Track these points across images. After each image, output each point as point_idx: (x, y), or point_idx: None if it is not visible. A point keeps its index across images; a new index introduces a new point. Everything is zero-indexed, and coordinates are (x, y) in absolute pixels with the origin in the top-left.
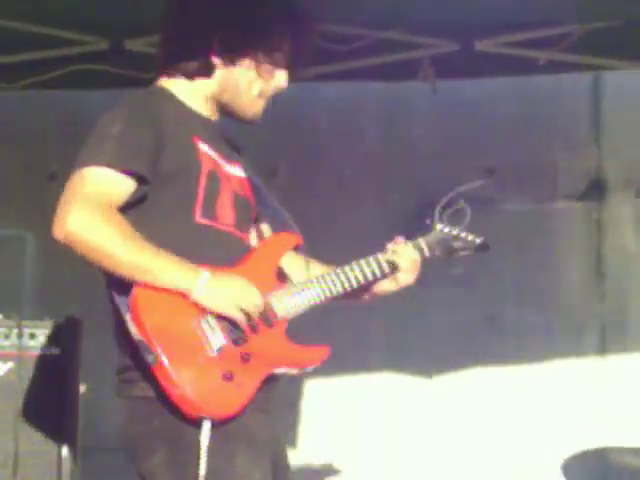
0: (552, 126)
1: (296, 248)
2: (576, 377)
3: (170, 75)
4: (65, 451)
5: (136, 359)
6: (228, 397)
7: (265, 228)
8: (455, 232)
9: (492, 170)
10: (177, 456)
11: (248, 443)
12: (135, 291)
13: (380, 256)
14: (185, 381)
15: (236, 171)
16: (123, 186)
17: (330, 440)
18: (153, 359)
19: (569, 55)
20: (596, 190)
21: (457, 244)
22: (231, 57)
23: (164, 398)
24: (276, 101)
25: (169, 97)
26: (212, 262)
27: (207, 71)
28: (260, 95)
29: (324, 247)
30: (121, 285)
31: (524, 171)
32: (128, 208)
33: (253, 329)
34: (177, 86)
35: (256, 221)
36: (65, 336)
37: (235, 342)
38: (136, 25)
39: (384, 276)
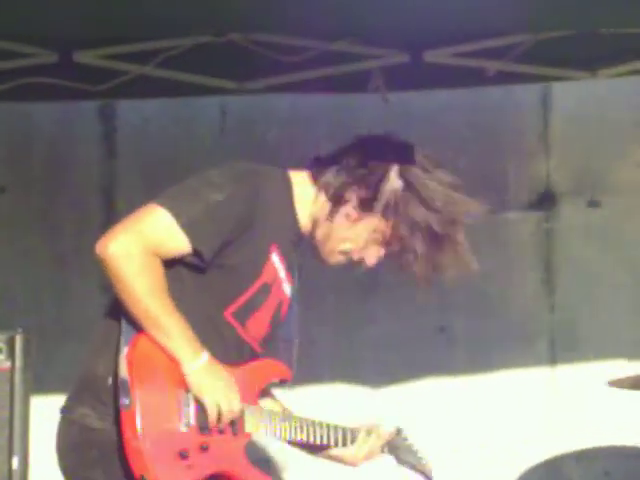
0: (502, 137)
1: (282, 382)
2: (526, 388)
3: (311, 175)
4: (16, 463)
5: (97, 373)
6: (175, 473)
7: None
8: (413, 447)
9: None
10: None
11: None
12: (141, 335)
13: (353, 428)
14: (146, 439)
15: (288, 289)
16: (178, 249)
17: (277, 452)
18: (127, 404)
19: (519, 65)
20: (546, 200)
21: (410, 458)
22: (359, 212)
23: (108, 431)
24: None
25: (285, 192)
26: (219, 356)
27: (333, 201)
28: (344, 253)
29: None
30: (115, 311)
31: (474, 182)
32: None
33: (219, 429)
34: (301, 188)
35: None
36: (17, 349)
37: (201, 429)
38: (85, 37)
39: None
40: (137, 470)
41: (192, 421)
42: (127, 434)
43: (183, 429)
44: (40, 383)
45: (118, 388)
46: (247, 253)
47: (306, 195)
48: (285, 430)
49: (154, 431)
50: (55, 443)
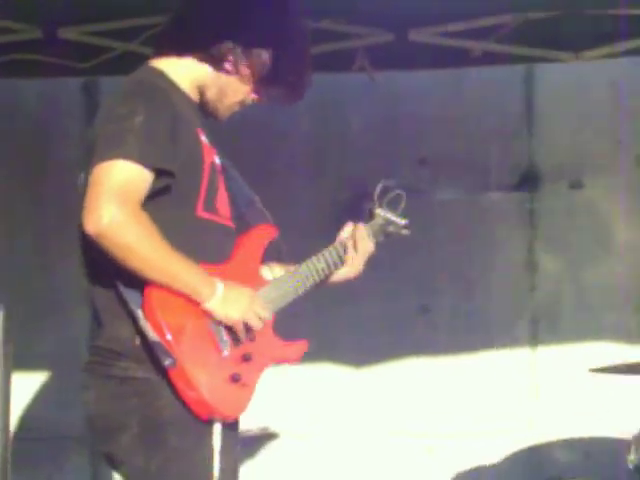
0: (485, 117)
1: (273, 240)
2: (508, 368)
3: (169, 55)
4: None
5: (121, 338)
6: (236, 399)
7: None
8: (392, 217)
9: (424, 161)
10: (151, 435)
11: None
12: (150, 292)
13: (337, 244)
14: (202, 385)
15: (219, 161)
16: (148, 182)
17: (257, 431)
18: (172, 363)
19: (503, 46)
20: (529, 181)
21: (391, 228)
22: (237, 62)
23: (153, 381)
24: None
25: (170, 82)
26: (210, 256)
27: (211, 62)
28: (240, 104)
29: None
30: (129, 278)
31: (457, 162)
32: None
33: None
34: (173, 68)
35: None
36: None
37: (236, 343)
38: (70, 14)
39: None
40: (203, 414)
41: (228, 343)
42: (181, 387)
43: (225, 354)
44: (21, 359)
45: (154, 350)
46: (186, 148)
47: (179, 72)
48: (297, 288)
49: (204, 373)
50: (83, 397)
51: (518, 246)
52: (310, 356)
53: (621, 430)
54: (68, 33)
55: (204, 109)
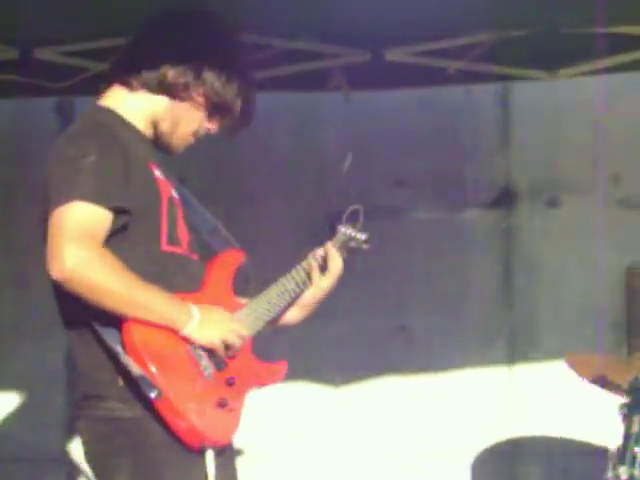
0: (461, 135)
1: (241, 266)
2: (485, 386)
3: (118, 90)
4: None
5: (104, 382)
6: (225, 424)
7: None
8: (352, 232)
9: (401, 179)
10: (145, 475)
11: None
12: (128, 326)
13: (304, 263)
14: (191, 412)
15: (175, 193)
16: (107, 221)
17: (236, 451)
18: (158, 394)
19: (479, 65)
20: (505, 199)
21: (353, 243)
22: (189, 87)
23: (140, 418)
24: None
25: (120, 119)
26: (181, 287)
27: (163, 91)
28: (194, 134)
29: None
30: (104, 316)
31: (434, 181)
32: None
33: (229, 356)
34: (122, 105)
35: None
36: None
37: (219, 368)
38: (47, 34)
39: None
40: (195, 443)
41: (211, 368)
42: (170, 419)
43: (209, 380)
44: None
45: (139, 385)
46: (140, 185)
47: (130, 107)
48: (270, 310)
49: (191, 401)
50: (82, 445)
51: (495, 264)
52: (288, 375)
53: (598, 447)
54: (44, 53)
55: (158, 143)
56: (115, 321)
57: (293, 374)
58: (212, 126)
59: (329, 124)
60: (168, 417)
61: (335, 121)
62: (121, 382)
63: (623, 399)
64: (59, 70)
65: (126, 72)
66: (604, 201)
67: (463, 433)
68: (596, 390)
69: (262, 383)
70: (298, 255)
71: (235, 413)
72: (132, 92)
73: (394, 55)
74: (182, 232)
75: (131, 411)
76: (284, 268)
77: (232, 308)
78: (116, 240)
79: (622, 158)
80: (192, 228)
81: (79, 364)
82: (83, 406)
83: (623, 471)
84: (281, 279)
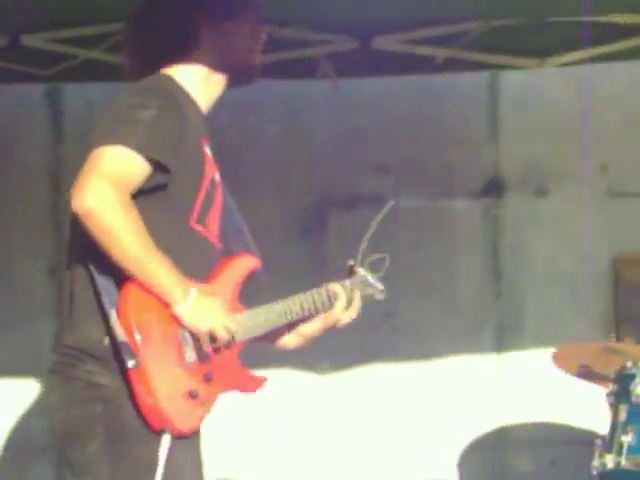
0: (450, 124)
1: (255, 272)
2: (473, 374)
3: (168, 63)
4: None
5: (90, 339)
6: (190, 415)
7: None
8: (371, 280)
9: (389, 168)
10: (117, 446)
11: (195, 457)
12: (127, 291)
13: (325, 293)
14: (160, 392)
15: (218, 177)
16: (143, 172)
17: (223, 437)
18: (135, 364)
19: (467, 53)
20: (494, 188)
21: (369, 290)
22: (216, 21)
23: (116, 387)
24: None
25: (180, 88)
26: (196, 269)
27: (197, 43)
28: (255, 41)
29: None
30: (109, 274)
31: (422, 169)
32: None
33: (216, 350)
34: (180, 74)
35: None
36: None
37: (201, 360)
38: (35, 21)
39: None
40: (155, 424)
41: (193, 356)
42: (139, 392)
43: (188, 368)
44: None
45: (120, 350)
46: (189, 155)
47: (193, 75)
48: (271, 321)
49: (165, 382)
50: (46, 399)
51: (483, 253)
52: (273, 362)
53: (586, 436)
54: (32, 40)
55: (241, 78)
56: (117, 280)
57: (279, 361)
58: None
59: (317, 112)
60: (138, 390)
61: (323, 109)
62: (107, 342)
63: (610, 387)
64: (47, 57)
65: (163, 48)
66: (592, 190)
67: (450, 421)
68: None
69: (239, 389)
70: (288, 243)
71: (204, 408)
72: (185, 59)
73: (382, 43)
74: (214, 217)
75: (109, 378)
76: (274, 255)
77: (232, 309)
78: (150, 200)
79: (610, 147)
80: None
81: (71, 308)
82: (62, 361)
83: (609, 459)
84: (289, 299)
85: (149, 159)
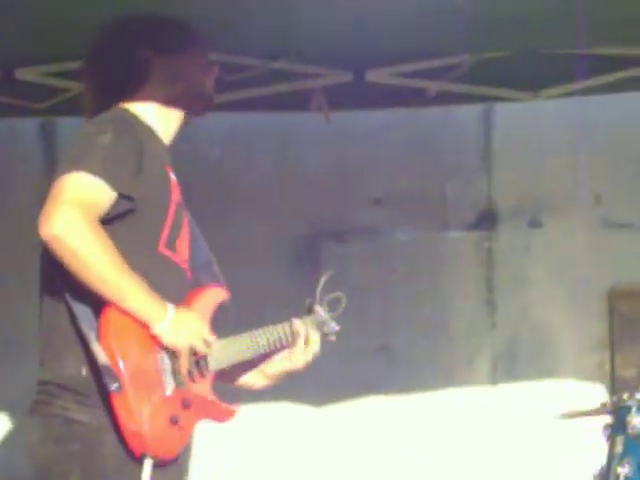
0: (443, 156)
1: (222, 304)
2: (467, 407)
3: (123, 98)
4: None
5: (67, 372)
6: (172, 441)
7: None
8: (327, 318)
9: (381, 200)
10: None
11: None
12: (107, 314)
13: (287, 327)
14: (143, 417)
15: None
16: (107, 198)
17: (219, 470)
18: (117, 388)
19: (460, 86)
20: (487, 220)
21: (324, 329)
22: (166, 56)
23: (96, 424)
24: None
25: (135, 118)
26: (168, 295)
27: (147, 74)
28: (204, 72)
29: None
30: (85, 298)
31: (415, 201)
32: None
33: (191, 377)
34: (136, 106)
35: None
36: None
37: (179, 386)
38: (28, 55)
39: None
40: (137, 450)
41: (171, 384)
42: (122, 416)
43: (168, 393)
44: None
45: (101, 374)
46: (152, 181)
47: (149, 107)
48: (240, 353)
49: (147, 407)
50: (27, 438)
51: (477, 285)
52: (269, 396)
53: (581, 470)
54: (25, 74)
55: (196, 107)
56: (94, 305)
57: (275, 393)
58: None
59: (310, 144)
60: (121, 414)
61: (316, 141)
62: (84, 372)
63: (606, 420)
64: (40, 91)
65: (117, 83)
66: (586, 221)
67: (446, 453)
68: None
69: (210, 418)
70: (278, 275)
71: (184, 433)
72: (139, 93)
73: (375, 76)
74: (184, 243)
75: (88, 414)
76: (264, 287)
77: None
78: (117, 226)
79: (603, 179)
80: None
81: (46, 340)
82: (39, 399)
83: None
84: (255, 332)
85: (112, 186)
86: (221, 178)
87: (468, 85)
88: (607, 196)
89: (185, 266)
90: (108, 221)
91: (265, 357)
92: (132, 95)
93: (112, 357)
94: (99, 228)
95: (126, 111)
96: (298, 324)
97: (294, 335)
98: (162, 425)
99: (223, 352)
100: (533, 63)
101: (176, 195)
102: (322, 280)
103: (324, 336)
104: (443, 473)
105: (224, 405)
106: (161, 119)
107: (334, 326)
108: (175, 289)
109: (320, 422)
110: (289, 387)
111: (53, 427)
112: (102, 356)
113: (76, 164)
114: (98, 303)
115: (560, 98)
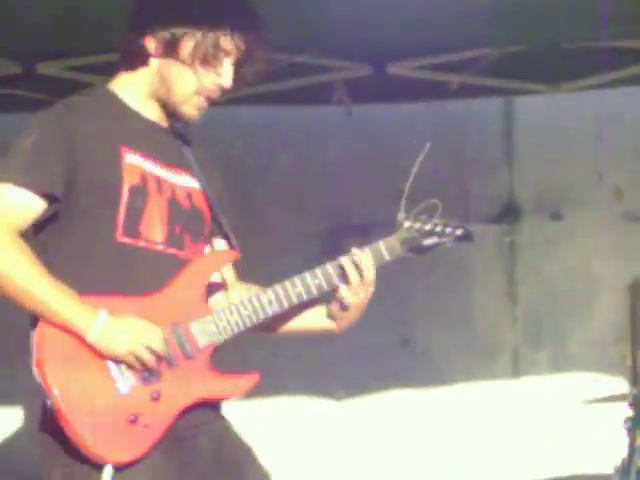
0: (465, 150)
1: (233, 262)
2: (489, 400)
3: (116, 73)
4: None
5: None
6: (133, 441)
7: (219, 244)
8: (427, 227)
9: (403, 193)
10: None
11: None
12: (40, 329)
13: (329, 264)
14: (84, 428)
15: (183, 180)
16: (30, 207)
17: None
18: (51, 405)
19: (482, 79)
20: (509, 213)
21: (429, 241)
22: (167, 48)
23: (47, 439)
24: None
25: (108, 99)
26: (133, 283)
27: (142, 61)
28: (197, 92)
29: None
30: (34, 318)
31: (437, 194)
32: (42, 227)
33: (169, 364)
34: (121, 84)
35: (211, 235)
36: None
37: (146, 380)
38: (49, 49)
39: (330, 291)
40: (94, 460)
41: (132, 380)
42: (66, 432)
43: (123, 393)
44: None
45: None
46: (93, 172)
47: (129, 88)
48: (247, 317)
49: (89, 416)
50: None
51: (499, 278)
52: (291, 389)
53: (602, 461)
54: (47, 68)
55: (171, 114)
56: (33, 322)
57: (296, 389)
58: (221, 80)
59: (331, 138)
60: (64, 429)
61: (337, 135)
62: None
63: (627, 412)
64: (62, 85)
65: (121, 53)
66: (607, 214)
67: (467, 446)
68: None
69: (216, 395)
70: (302, 269)
71: (151, 429)
72: (130, 72)
73: (396, 69)
74: (150, 224)
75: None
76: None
77: (194, 313)
78: (66, 223)
79: (625, 171)
80: (215, 231)
81: None
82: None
83: None
84: (287, 281)
85: (32, 190)
86: (244, 172)
87: (490, 78)
88: (629, 189)
89: (159, 247)
90: (55, 218)
91: (310, 302)
92: (127, 71)
93: (42, 372)
94: (12, 238)
95: (98, 94)
96: (349, 258)
97: (331, 279)
98: (115, 429)
99: (224, 322)
100: (554, 56)
101: (132, 177)
102: (406, 190)
103: (429, 248)
104: (465, 465)
105: (230, 378)
106: (147, 104)
107: (440, 230)
108: (142, 274)
109: (341, 416)
110: (310, 380)
111: (40, 444)
112: (35, 373)
113: (1, 174)
114: (35, 317)
115: (581, 91)
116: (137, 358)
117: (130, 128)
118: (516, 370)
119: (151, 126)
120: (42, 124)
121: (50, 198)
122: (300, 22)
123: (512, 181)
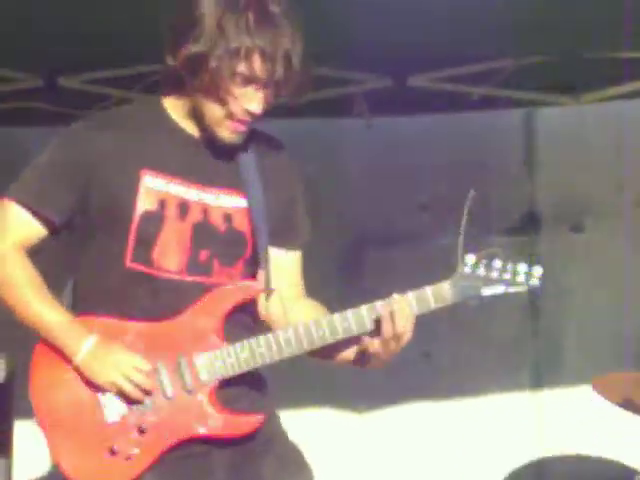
0: (485, 161)
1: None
2: (511, 414)
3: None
4: None
5: None
6: (113, 472)
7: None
8: (494, 275)
9: (424, 206)
10: None
11: None
12: (36, 349)
13: (364, 307)
14: (65, 456)
15: (223, 201)
16: (31, 228)
17: None
18: (38, 423)
19: (502, 90)
20: (530, 225)
21: (490, 291)
22: (193, 74)
23: None
24: None
25: (154, 113)
26: (141, 312)
27: (177, 82)
28: (228, 117)
29: None
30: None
31: (458, 206)
32: (74, 231)
33: (165, 395)
34: (170, 99)
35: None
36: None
37: (137, 410)
38: (71, 62)
39: (367, 334)
40: None
41: (122, 409)
42: (49, 453)
43: (109, 422)
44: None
45: None
46: (104, 194)
47: (178, 105)
48: (259, 355)
49: (71, 442)
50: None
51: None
52: (313, 401)
53: (626, 473)
54: (68, 81)
55: (210, 137)
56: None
57: (318, 401)
58: (249, 107)
59: (352, 150)
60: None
61: (358, 147)
62: None
63: None
64: (84, 98)
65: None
66: (629, 226)
67: (489, 460)
68: (624, 414)
69: (211, 433)
70: (324, 281)
71: (133, 462)
72: (171, 92)
73: (416, 81)
74: (165, 251)
75: None
76: (311, 292)
77: (203, 344)
78: (88, 241)
79: None
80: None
81: None
82: None
83: None
84: (312, 322)
85: (36, 214)
86: None
87: (510, 90)
88: None
89: (173, 275)
90: (76, 232)
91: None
92: (176, 87)
93: (30, 390)
94: (16, 256)
95: (148, 107)
96: (388, 304)
97: (363, 322)
98: (96, 459)
99: (234, 359)
100: (575, 67)
101: (148, 202)
102: (461, 235)
103: (470, 301)
104: (486, 478)
105: (234, 417)
106: (192, 121)
107: (484, 290)
108: (158, 303)
109: (363, 429)
110: (331, 394)
111: None
112: (29, 394)
113: (10, 190)
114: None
115: (602, 102)
116: (118, 389)
117: (165, 145)
118: (537, 384)
119: (193, 142)
120: (59, 142)
121: (48, 223)
122: (320, 35)
123: (533, 192)
